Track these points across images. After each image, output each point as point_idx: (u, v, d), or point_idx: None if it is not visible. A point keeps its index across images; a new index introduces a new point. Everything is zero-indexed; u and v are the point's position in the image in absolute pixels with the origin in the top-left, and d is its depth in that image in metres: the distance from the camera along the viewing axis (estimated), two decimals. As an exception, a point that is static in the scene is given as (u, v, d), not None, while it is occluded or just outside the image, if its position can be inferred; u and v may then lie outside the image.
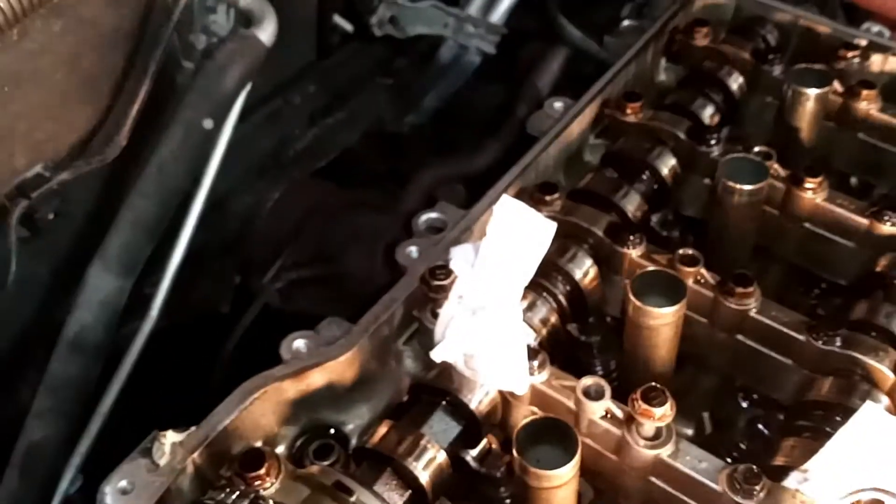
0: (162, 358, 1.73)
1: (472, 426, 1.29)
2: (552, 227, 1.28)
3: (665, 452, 1.19)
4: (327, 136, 2.16)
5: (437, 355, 1.19)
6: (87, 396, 1.57)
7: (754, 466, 1.16)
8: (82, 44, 1.51)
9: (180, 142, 1.55)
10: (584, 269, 1.49)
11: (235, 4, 1.62)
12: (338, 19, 2.08)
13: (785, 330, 1.36)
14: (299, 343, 1.29)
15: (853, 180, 1.90)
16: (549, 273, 1.46)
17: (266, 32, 1.59)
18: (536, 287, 1.43)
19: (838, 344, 1.33)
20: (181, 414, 1.25)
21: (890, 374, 1.31)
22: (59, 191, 1.52)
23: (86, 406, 1.56)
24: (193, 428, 1.18)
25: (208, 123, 1.54)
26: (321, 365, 1.26)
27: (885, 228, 1.53)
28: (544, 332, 1.42)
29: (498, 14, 2.30)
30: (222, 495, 1.07)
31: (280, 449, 1.28)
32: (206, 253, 1.92)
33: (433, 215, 1.51)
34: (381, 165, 2.31)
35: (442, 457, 1.22)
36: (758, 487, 1.14)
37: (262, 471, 1.12)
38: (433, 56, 2.35)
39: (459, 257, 1.27)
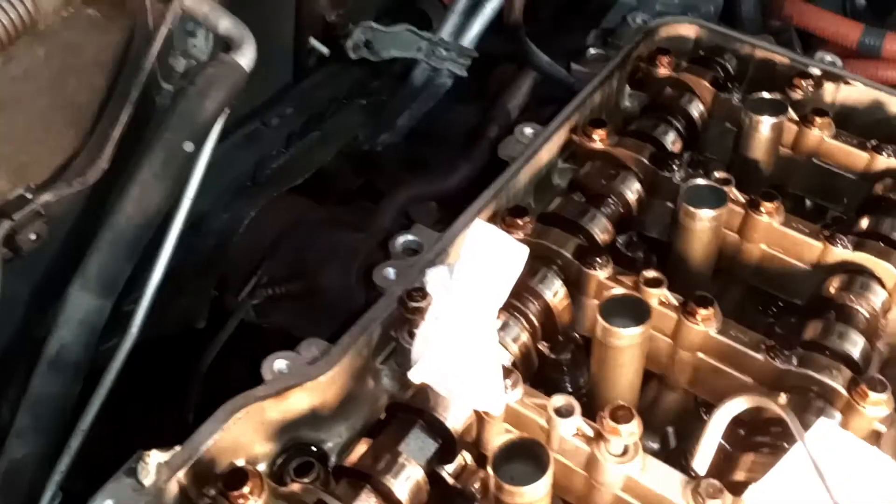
0: (139, 373, 1.76)
1: (448, 443, 1.33)
2: (525, 251, 1.33)
3: (632, 468, 1.25)
4: (303, 156, 2.20)
5: (414, 376, 1.23)
6: (67, 414, 1.60)
7: (716, 482, 1.22)
8: (66, 69, 1.54)
9: (161, 164, 1.59)
10: (554, 290, 1.55)
11: (215, 29, 1.66)
12: (314, 43, 2.12)
13: (743, 349, 1.43)
14: (280, 363, 1.33)
15: (808, 203, 1.99)
16: (520, 294, 1.52)
17: (246, 58, 1.63)
18: (509, 307, 1.49)
19: (794, 363, 1.41)
20: (159, 430, 1.29)
21: (843, 391, 1.39)
22: (41, 212, 1.54)
23: (66, 424, 1.58)
24: (178, 447, 1.21)
25: (188, 146, 1.58)
26: (302, 385, 1.30)
27: (837, 251, 1.61)
28: (517, 351, 1.47)
29: (469, 38, 2.36)
30: (207, 514, 1.11)
31: (261, 467, 1.32)
32: (184, 269, 1.95)
33: (409, 237, 1.56)
34: (355, 183, 2.36)
35: (419, 473, 1.26)
36: (719, 502, 1.20)
37: (246, 489, 1.16)
38: (407, 78, 2.41)
39: (435, 279, 1.31)
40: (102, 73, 1.59)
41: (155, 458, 1.18)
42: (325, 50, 2.14)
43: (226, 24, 1.64)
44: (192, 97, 1.60)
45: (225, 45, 1.68)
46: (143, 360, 1.79)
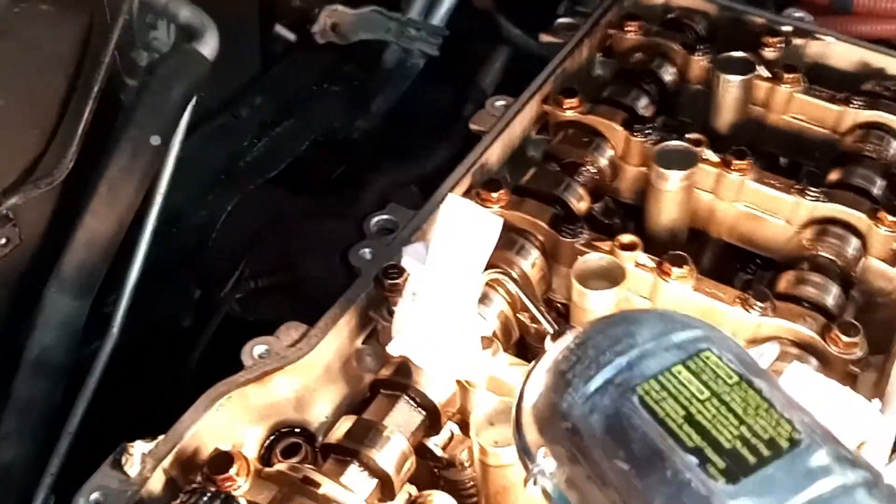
0: (127, 374, 1.76)
1: (432, 415, 1.34)
2: (499, 222, 1.33)
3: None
4: (278, 146, 2.21)
5: (393, 349, 1.24)
6: (52, 416, 1.60)
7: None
8: (22, 67, 1.53)
9: (129, 159, 1.59)
10: (532, 261, 1.55)
11: (175, 20, 1.66)
12: (280, 29, 2.12)
13: (719, 304, 1.44)
14: (260, 348, 1.33)
15: (783, 161, 1.99)
16: (498, 265, 1.52)
17: (208, 46, 1.63)
18: (487, 280, 1.49)
19: (768, 313, 1.41)
20: (148, 430, 1.29)
21: (817, 337, 1.40)
22: (10, 217, 1.54)
23: (52, 426, 1.58)
24: (161, 437, 1.21)
25: (155, 140, 1.58)
26: (283, 368, 1.30)
27: (809, 204, 1.62)
28: (497, 322, 1.48)
29: (439, 16, 2.36)
30: (193, 498, 1.11)
31: (248, 451, 1.32)
32: (165, 268, 1.95)
33: (384, 217, 1.55)
34: (334, 172, 2.36)
35: (405, 446, 1.26)
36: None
37: (232, 472, 1.16)
38: (378, 61, 2.40)
39: (411, 256, 1.32)
40: (62, 70, 1.58)
41: (139, 449, 1.18)
42: (291, 36, 2.14)
43: (186, 13, 1.64)
44: (155, 90, 1.60)
45: (187, 35, 1.68)
46: (130, 361, 1.79)
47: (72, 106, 1.58)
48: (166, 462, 1.19)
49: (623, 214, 1.79)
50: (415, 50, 2.29)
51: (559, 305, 1.61)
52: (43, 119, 1.58)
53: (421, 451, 1.32)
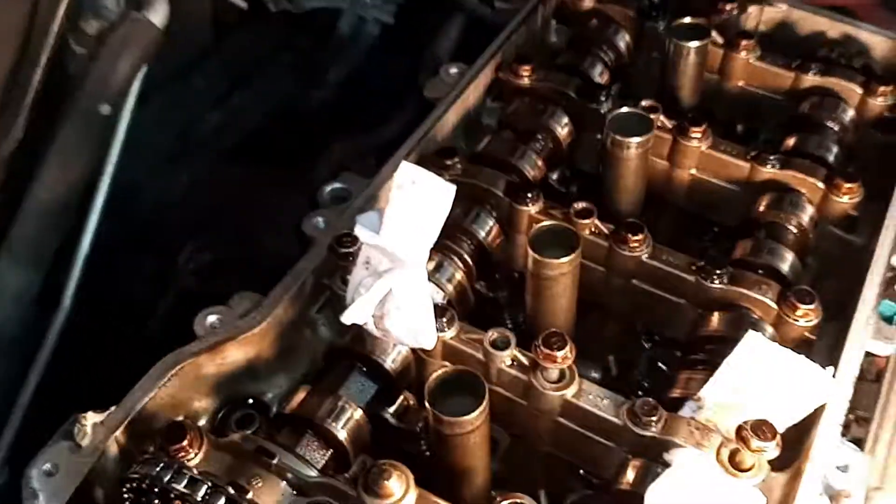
0: (81, 347, 1.74)
1: (387, 385, 1.34)
2: (452, 189, 1.32)
3: (569, 393, 1.27)
4: (233, 118, 2.18)
5: (346, 318, 1.23)
6: (6, 390, 1.58)
7: (651, 399, 1.24)
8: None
9: (79, 129, 1.56)
10: (487, 229, 1.55)
11: (124, -13, 1.62)
12: (232, -2, 2.08)
13: (675, 272, 1.45)
14: (212, 318, 1.32)
15: (739, 128, 2.01)
16: (453, 234, 1.52)
17: (158, 14, 1.60)
18: (443, 248, 1.49)
19: (724, 281, 1.43)
20: (102, 403, 1.27)
21: (773, 305, 1.41)
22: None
23: (4, 399, 1.56)
24: (113, 408, 1.20)
25: (105, 109, 1.55)
26: (235, 338, 1.30)
27: (766, 171, 1.63)
28: (452, 290, 1.48)
29: (394, -17, 2.33)
30: (146, 468, 1.10)
31: (202, 422, 1.31)
32: (120, 242, 1.92)
33: (337, 185, 1.54)
34: (290, 143, 2.33)
35: (359, 415, 1.27)
36: (655, 418, 1.22)
37: (185, 443, 1.15)
38: (332, 30, 2.37)
39: (364, 224, 1.31)
40: (10, 42, 1.55)
41: (91, 419, 1.17)
42: (243, 4, 2.10)
43: (135, -20, 1.60)
44: (105, 59, 1.57)
45: (136, 3, 1.64)
46: (85, 334, 1.77)
47: (20, 77, 1.54)
48: (119, 433, 1.18)
49: (580, 183, 1.79)
50: (369, 18, 2.26)
51: (516, 274, 1.62)
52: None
53: (376, 421, 1.32)
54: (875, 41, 1.89)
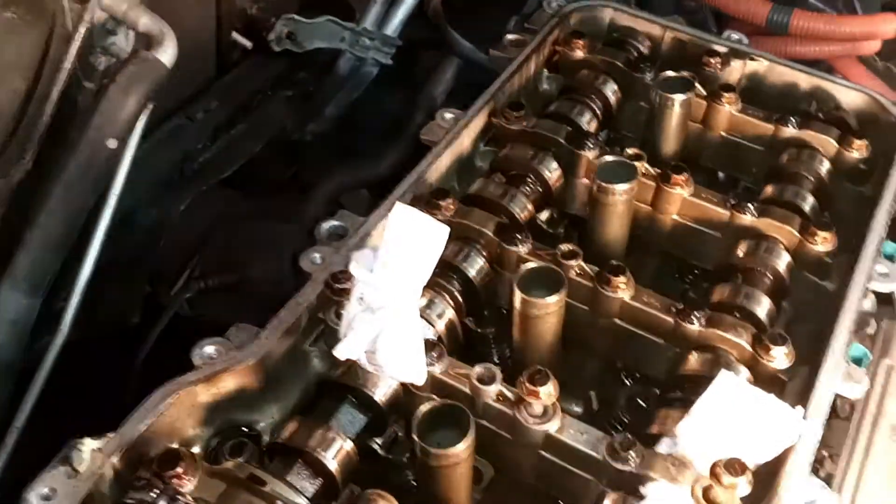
0: (75, 372, 1.77)
1: (377, 417, 1.39)
2: (445, 231, 1.38)
3: (552, 428, 1.32)
4: (230, 148, 2.23)
5: (339, 353, 1.28)
6: (2, 415, 1.61)
7: (629, 435, 1.30)
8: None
9: (85, 162, 1.61)
10: (477, 268, 1.61)
11: (135, 27, 1.68)
12: (236, 37, 2.15)
13: (655, 313, 1.51)
14: (210, 349, 1.36)
15: (721, 176, 2.09)
16: (444, 272, 1.57)
17: (167, 54, 1.65)
18: (434, 285, 1.55)
19: (702, 323, 1.49)
20: (96, 427, 1.31)
21: (748, 346, 1.48)
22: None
23: (2, 424, 1.59)
24: (111, 434, 1.24)
25: (112, 143, 1.60)
26: (231, 369, 1.34)
27: (744, 218, 1.70)
28: (442, 326, 1.53)
29: (392, 27, 2.41)
30: (141, 495, 1.14)
31: (196, 449, 1.35)
32: (115, 267, 1.97)
33: (335, 223, 1.60)
34: (285, 174, 2.39)
35: (349, 446, 1.31)
36: (633, 453, 1.28)
37: (180, 469, 1.19)
38: (332, 68, 2.44)
39: (359, 261, 1.36)
40: (23, 76, 1.60)
41: (88, 445, 1.21)
42: (247, 43, 2.16)
43: (145, 21, 1.66)
44: (114, 95, 1.62)
45: (146, 41, 1.70)
46: (79, 359, 1.80)
47: (31, 109, 1.60)
48: (115, 459, 1.22)
49: (568, 225, 1.86)
50: (368, 58, 2.34)
51: (504, 310, 1.67)
52: (2, 121, 1.59)
53: (365, 451, 1.37)
54: (850, 96, 1.97)
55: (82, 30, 1.57)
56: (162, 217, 2.11)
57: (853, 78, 2.69)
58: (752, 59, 2.06)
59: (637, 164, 1.70)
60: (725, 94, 1.92)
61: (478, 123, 1.84)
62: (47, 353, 1.68)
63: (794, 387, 1.48)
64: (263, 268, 2.03)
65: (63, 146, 1.61)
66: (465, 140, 1.81)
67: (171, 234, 2.12)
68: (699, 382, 1.42)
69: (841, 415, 1.61)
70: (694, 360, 1.49)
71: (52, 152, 1.62)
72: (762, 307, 1.58)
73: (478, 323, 1.64)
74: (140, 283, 2.06)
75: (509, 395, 1.34)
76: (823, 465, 1.54)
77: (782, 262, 1.67)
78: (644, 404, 1.59)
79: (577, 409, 1.64)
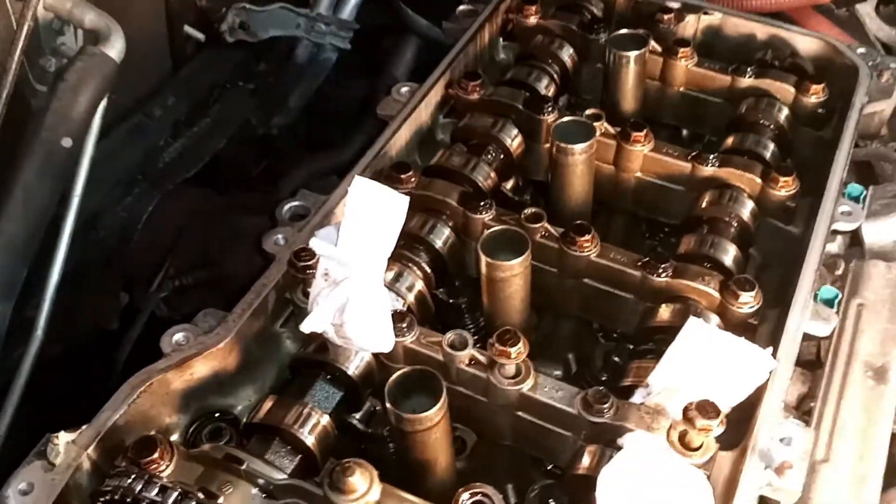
0: (56, 379, 1.77)
1: (352, 391, 1.39)
2: (405, 200, 1.39)
3: (525, 387, 1.32)
4: (194, 145, 2.22)
5: (305, 327, 1.28)
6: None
7: (602, 388, 1.30)
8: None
9: (42, 163, 1.60)
10: (444, 238, 1.61)
11: (81, 24, 1.67)
12: (189, 30, 2.13)
13: (622, 269, 1.52)
14: (178, 336, 1.36)
15: (684, 132, 2.09)
16: (411, 245, 1.58)
17: (115, 49, 1.64)
18: (402, 258, 1.55)
19: (669, 275, 1.50)
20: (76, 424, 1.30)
21: (716, 294, 1.48)
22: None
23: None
24: (84, 426, 1.24)
25: (67, 142, 1.59)
26: (201, 354, 1.34)
27: (706, 170, 1.71)
28: (412, 298, 1.53)
29: (347, 10, 2.40)
30: (117, 481, 1.14)
31: (175, 437, 1.36)
32: (88, 272, 1.96)
33: (295, 203, 1.60)
34: (254, 168, 2.38)
35: (326, 421, 1.31)
36: (607, 405, 1.28)
37: (156, 455, 1.19)
38: (290, 56, 2.43)
39: (321, 238, 1.36)
40: (-31, 79, 1.59)
41: (63, 438, 1.21)
42: (200, 36, 2.15)
43: (91, 17, 1.66)
44: (64, 93, 1.61)
45: (94, 38, 1.69)
46: (59, 365, 1.80)
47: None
48: (91, 450, 1.22)
49: (533, 191, 1.86)
50: (326, 44, 2.33)
51: (476, 281, 1.67)
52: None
53: (343, 426, 1.37)
54: (805, 42, 1.98)
55: (26, 28, 1.55)
56: (130, 218, 2.10)
57: (813, 28, 2.69)
58: (705, 13, 2.06)
59: (596, 123, 1.70)
60: (681, 49, 1.92)
61: (435, 96, 1.84)
62: (23, 360, 1.68)
63: (765, 330, 1.50)
64: (236, 261, 2.02)
65: (18, 150, 1.59)
66: (424, 113, 1.81)
67: (142, 234, 2.11)
68: (670, 333, 1.42)
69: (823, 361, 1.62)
70: (664, 311, 1.50)
71: (7, 157, 1.61)
72: (728, 255, 1.59)
73: (450, 294, 1.64)
74: (115, 286, 2.05)
75: (481, 358, 1.34)
76: (800, 407, 1.55)
77: (746, 209, 1.68)
78: (620, 361, 1.60)
79: (557, 372, 1.65)
